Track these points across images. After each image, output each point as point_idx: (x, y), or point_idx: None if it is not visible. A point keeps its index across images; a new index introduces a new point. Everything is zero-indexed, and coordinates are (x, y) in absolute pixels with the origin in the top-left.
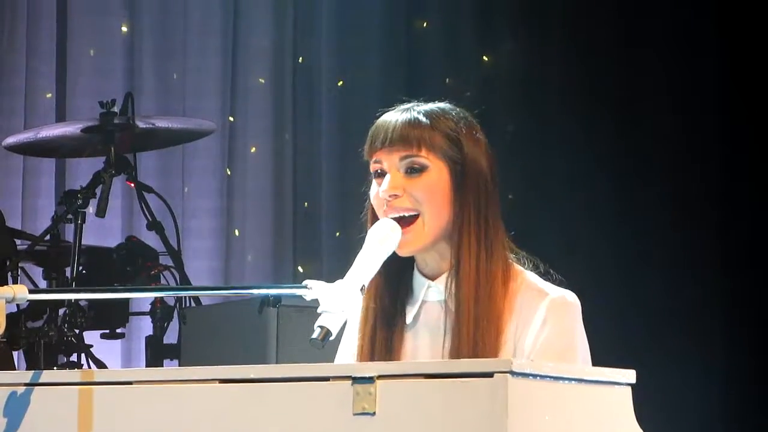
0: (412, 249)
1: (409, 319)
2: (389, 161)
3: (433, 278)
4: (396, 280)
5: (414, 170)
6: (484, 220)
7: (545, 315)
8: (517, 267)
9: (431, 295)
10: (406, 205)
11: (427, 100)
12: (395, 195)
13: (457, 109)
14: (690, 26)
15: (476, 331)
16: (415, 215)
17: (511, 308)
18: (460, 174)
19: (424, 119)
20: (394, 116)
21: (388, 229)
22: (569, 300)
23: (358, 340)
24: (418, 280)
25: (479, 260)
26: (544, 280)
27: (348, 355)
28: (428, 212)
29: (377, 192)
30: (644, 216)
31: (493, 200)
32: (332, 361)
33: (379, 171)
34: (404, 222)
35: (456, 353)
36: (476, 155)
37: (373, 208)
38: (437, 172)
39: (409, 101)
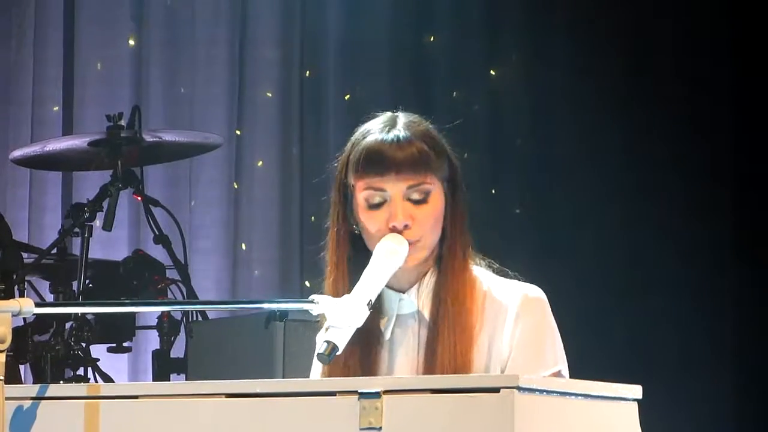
0: (410, 264)
1: (387, 335)
2: (395, 189)
3: (402, 290)
4: None
5: (419, 200)
6: (466, 230)
7: (517, 311)
8: (474, 268)
9: (404, 308)
10: (414, 235)
11: (402, 110)
12: (407, 225)
13: (422, 119)
14: (701, 32)
15: (453, 340)
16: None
17: (480, 313)
18: (451, 190)
19: (421, 141)
20: (388, 137)
21: (396, 243)
22: (538, 295)
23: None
24: (387, 294)
25: (462, 270)
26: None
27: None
28: (429, 239)
29: (379, 218)
30: (653, 232)
31: (467, 207)
32: None
33: (378, 200)
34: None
35: (431, 365)
36: (457, 168)
37: (341, 235)
38: (437, 195)
39: (375, 114)
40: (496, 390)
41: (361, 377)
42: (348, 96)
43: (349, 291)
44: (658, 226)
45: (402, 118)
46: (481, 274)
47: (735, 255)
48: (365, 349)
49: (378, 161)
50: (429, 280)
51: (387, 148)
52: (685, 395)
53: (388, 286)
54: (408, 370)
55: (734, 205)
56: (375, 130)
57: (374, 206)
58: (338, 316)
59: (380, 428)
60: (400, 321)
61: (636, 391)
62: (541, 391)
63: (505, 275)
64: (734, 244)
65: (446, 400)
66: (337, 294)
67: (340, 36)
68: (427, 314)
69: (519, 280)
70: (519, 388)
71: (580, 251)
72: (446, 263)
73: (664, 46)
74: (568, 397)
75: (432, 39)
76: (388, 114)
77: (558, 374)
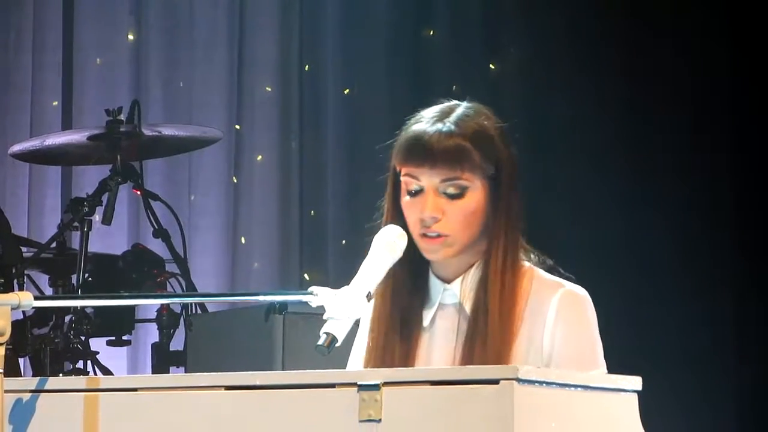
0: (439, 258)
1: (426, 322)
2: (429, 181)
3: (448, 281)
4: (411, 283)
5: (455, 194)
6: (512, 228)
7: (557, 309)
8: (525, 264)
9: (447, 298)
10: (441, 229)
11: (455, 97)
12: (436, 218)
13: (486, 114)
14: (701, 29)
15: (493, 336)
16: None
17: (523, 308)
18: (495, 189)
19: (465, 137)
20: (432, 128)
21: (395, 235)
22: (580, 293)
23: (369, 343)
24: (434, 282)
25: (505, 268)
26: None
27: (358, 360)
28: (459, 235)
29: (414, 208)
30: (654, 229)
31: (518, 205)
32: (338, 367)
33: (415, 188)
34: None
35: (469, 357)
36: (509, 167)
37: (391, 213)
38: (474, 193)
39: (440, 100)
40: (496, 382)
41: (360, 369)
42: (347, 90)
43: (402, 269)
44: (660, 223)
45: (459, 109)
46: (530, 269)
47: (738, 251)
48: (406, 336)
49: (417, 151)
50: (474, 273)
51: (428, 139)
52: (686, 390)
53: (434, 274)
54: (444, 360)
55: (736, 202)
56: (425, 118)
57: (412, 193)
58: (338, 308)
59: (380, 420)
60: (442, 310)
61: (636, 382)
62: (541, 383)
63: (557, 272)
64: (737, 239)
65: (446, 392)
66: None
67: (339, 30)
68: (468, 307)
69: (570, 278)
70: (518, 380)
71: (580, 247)
72: (489, 261)
73: (669, 39)
74: (567, 388)
75: (431, 33)
76: (450, 103)
77: None
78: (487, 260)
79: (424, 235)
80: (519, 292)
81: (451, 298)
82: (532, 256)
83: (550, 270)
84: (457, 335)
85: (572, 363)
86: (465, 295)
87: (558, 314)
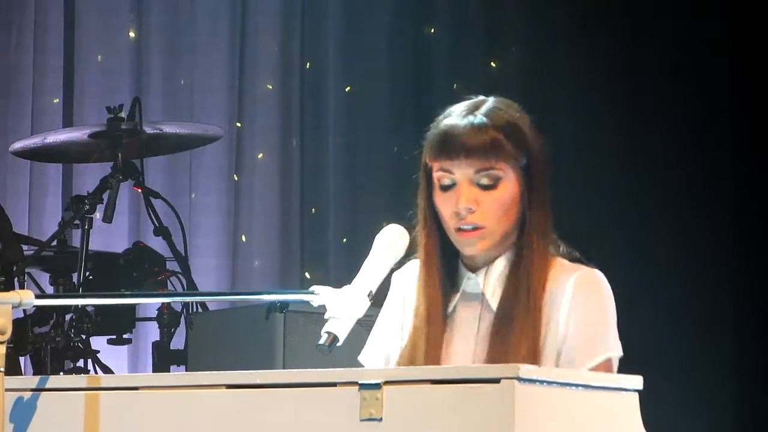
0: (476, 251)
1: (449, 308)
2: (463, 173)
3: (473, 270)
4: (445, 275)
5: (488, 185)
6: (545, 220)
7: (573, 291)
8: (550, 255)
9: (470, 287)
10: (477, 220)
11: (474, 89)
12: (471, 209)
13: (515, 107)
14: (700, 27)
15: (524, 326)
16: (481, 227)
17: (544, 296)
18: (527, 179)
19: (496, 128)
20: (463, 121)
21: (396, 234)
22: (596, 275)
23: (410, 335)
24: (461, 270)
25: (537, 261)
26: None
27: (380, 355)
28: (495, 227)
29: (448, 202)
30: (652, 220)
31: (549, 195)
32: (339, 366)
33: (448, 182)
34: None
35: (495, 350)
36: (540, 157)
37: (425, 211)
38: (508, 184)
39: (468, 97)
40: (497, 381)
41: (360, 368)
42: (348, 88)
43: (438, 269)
44: (660, 223)
45: (489, 103)
46: (553, 259)
47: (738, 251)
48: (435, 324)
49: (449, 144)
50: (499, 266)
51: (460, 132)
52: (686, 390)
53: (462, 261)
54: (463, 350)
55: (737, 201)
56: (455, 113)
57: (445, 188)
58: (339, 307)
59: (381, 419)
60: (464, 299)
61: (636, 381)
62: (542, 382)
63: (581, 263)
64: (737, 239)
65: (447, 391)
66: (428, 274)
67: (340, 28)
68: (493, 301)
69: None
70: (519, 379)
71: (580, 244)
72: (521, 253)
73: (669, 36)
74: (568, 387)
75: (432, 31)
76: (479, 97)
77: (608, 361)
78: (518, 252)
79: (460, 229)
80: (545, 287)
81: (474, 287)
82: (561, 248)
83: (574, 262)
84: (479, 325)
85: (583, 343)
86: (489, 285)
87: (573, 296)
